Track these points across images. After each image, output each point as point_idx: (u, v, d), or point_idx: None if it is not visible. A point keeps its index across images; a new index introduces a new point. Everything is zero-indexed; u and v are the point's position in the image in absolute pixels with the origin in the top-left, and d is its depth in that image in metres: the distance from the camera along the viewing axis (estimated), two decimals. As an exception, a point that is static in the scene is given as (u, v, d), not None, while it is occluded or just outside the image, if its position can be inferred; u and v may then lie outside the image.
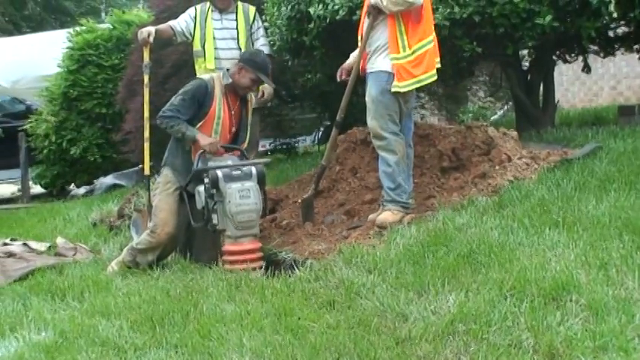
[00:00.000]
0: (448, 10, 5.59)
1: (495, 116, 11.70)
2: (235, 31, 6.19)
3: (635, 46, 7.25)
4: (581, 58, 7.37)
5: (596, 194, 4.52)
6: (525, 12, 5.62)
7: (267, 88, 6.00)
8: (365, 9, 5.04)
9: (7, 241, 6.82)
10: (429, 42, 4.91)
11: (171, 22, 6.29)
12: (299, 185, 6.36)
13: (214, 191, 4.90)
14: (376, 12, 4.91)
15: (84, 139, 11.45)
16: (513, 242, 4.02)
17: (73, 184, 12.27)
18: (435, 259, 4.04)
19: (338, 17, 5.90)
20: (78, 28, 12.17)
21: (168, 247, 5.27)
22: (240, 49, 6.09)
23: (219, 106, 5.21)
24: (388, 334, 3.32)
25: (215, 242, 5.21)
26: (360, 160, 5.95)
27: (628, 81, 12.48)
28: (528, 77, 7.27)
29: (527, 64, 7.59)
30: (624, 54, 7.89)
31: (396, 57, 4.85)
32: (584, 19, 5.84)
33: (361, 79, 5.20)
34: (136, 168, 10.08)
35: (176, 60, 8.21)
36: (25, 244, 6.60)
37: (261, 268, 4.83)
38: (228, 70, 5.35)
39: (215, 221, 4.94)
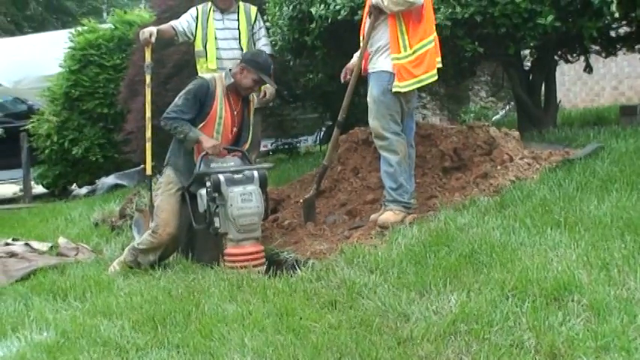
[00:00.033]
0: (450, 10, 5.58)
1: (497, 116, 11.70)
2: (237, 31, 6.18)
3: (637, 46, 7.24)
4: (582, 58, 7.37)
5: (597, 194, 4.52)
6: (527, 12, 5.61)
7: (269, 89, 6.00)
8: (367, 9, 5.04)
9: (9, 241, 6.83)
10: (429, 42, 4.90)
11: (173, 22, 6.28)
12: (301, 185, 6.36)
13: (216, 195, 4.91)
14: (377, 12, 4.91)
15: (86, 139, 11.48)
16: (515, 242, 4.02)
17: (74, 184, 12.31)
18: (437, 259, 4.04)
19: (340, 17, 5.90)
20: (80, 28, 12.21)
21: (170, 248, 5.27)
22: (241, 49, 6.09)
23: (220, 106, 5.21)
24: (390, 334, 3.32)
25: (217, 242, 5.21)
26: (362, 160, 5.95)
27: (630, 81, 12.47)
28: (530, 77, 7.27)
29: (528, 64, 7.59)
30: (626, 54, 7.88)
31: (397, 57, 4.85)
32: (586, 19, 5.83)
33: (363, 80, 5.20)
34: (138, 168, 10.09)
35: (178, 60, 8.21)
36: (26, 244, 6.60)
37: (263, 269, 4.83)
38: (230, 70, 5.35)
39: (217, 224, 4.94)
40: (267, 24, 6.63)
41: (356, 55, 5.26)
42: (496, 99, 11.64)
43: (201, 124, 5.17)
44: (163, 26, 6.29)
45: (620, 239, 3.78)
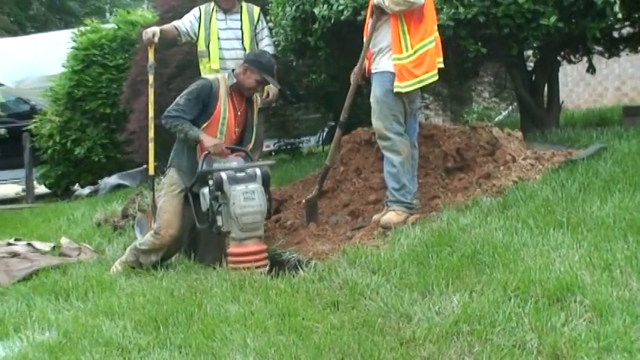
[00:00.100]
0: (453, 11, 5.57)
1: (500, 117, 11.71)
2: (240, 31, 6.18)
3: (640, 47, 7.25)
4: (585, 58, 7.36)
5: (600, 195, 4.52)
6: (530, 12, 5.61)
7: (271, 89, 5.99)
8: (369, 9, 5.04)
9: (12, 241, 6.83)
10: (430, 41, 4.90)
11: (176, 23, 6.29)
12: (303, 186, 6.35)
13: (219, 193, 4.90)
14: (379, 12, 4.91)
15: (88, 139, 11.48)
16: (517, 243, 4.01)
17: (77, 184, 12.31)
18: (439, 259, 4.03)
19: (343, 18, 5.90)
20: (82, 28, 12.20)
21: (172, 249, 5.27)
22: (244, 49, 6.09)
23: (224, 107, 5.21)
24: (392, 335, 3.32)
25: (219, 243, 5.21)
26: (365, 161, 5.95)
27: (633, 82, 12.46)
28: (533, 78, 7.26)
29: (531, 64, 7.58)
30: (629, 55, 7.88)
31: (399, 57, 4.85)
32: (589, 19, 5.83)
33: (366, 80, 5.20)
34: (141, 168, 10.10)
35: (180, 60, 8.21)
36: (29, 244, 6.60)
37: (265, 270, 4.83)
38: (233, 70, 5.36)
39: (220, 223, 4.94)
40: (270, 24, 6.63)
41: None
42: (499, 99, 11.64)
43: (205, 125, 5.17)
44: (166, 26, 6.29)
45: (622, 240, 3.78)
